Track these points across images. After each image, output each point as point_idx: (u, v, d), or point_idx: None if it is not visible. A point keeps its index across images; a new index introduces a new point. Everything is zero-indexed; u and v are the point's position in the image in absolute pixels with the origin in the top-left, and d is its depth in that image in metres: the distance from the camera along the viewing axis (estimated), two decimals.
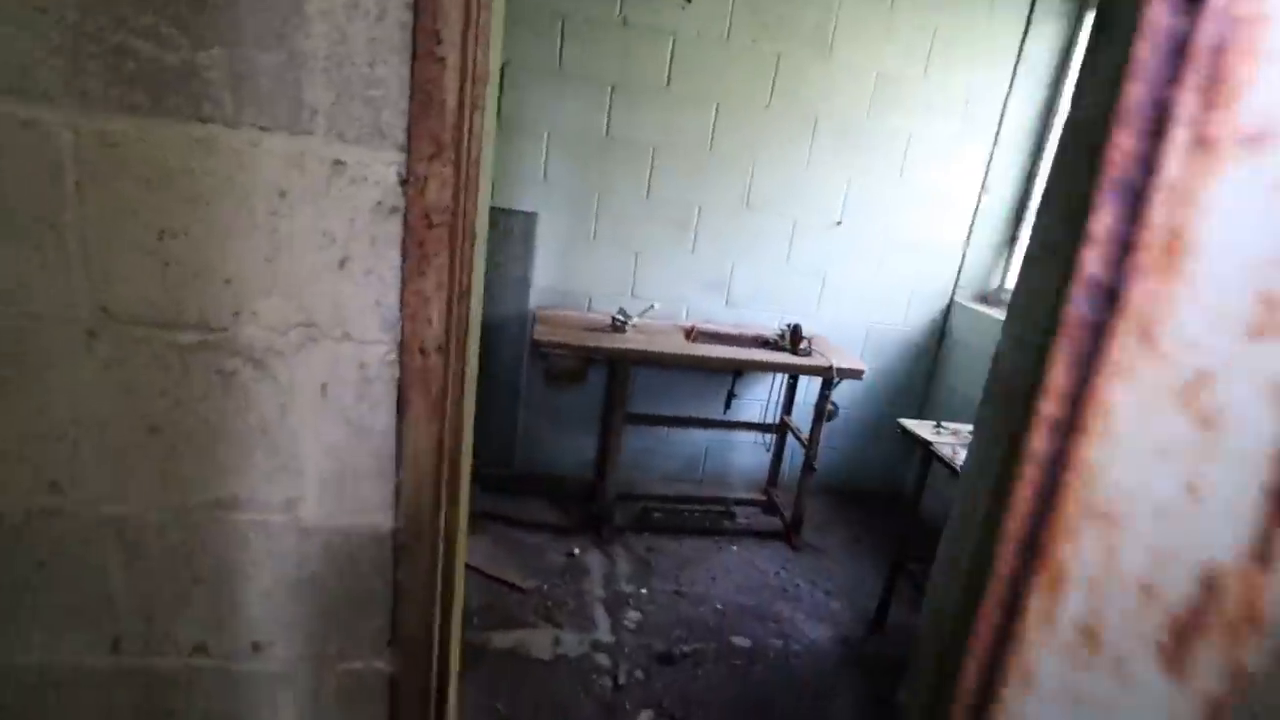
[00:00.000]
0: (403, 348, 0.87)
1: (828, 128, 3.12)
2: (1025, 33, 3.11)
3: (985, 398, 1.22)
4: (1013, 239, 3.38)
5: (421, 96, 0.78)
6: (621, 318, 2.86)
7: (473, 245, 0.87)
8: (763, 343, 3.11)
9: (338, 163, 0.82)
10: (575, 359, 2.67)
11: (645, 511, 3.17)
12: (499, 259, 3.11)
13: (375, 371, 0.89)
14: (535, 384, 3.26)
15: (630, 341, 2.78)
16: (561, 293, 3.21)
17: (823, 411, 2.89)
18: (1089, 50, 1.23)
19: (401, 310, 0.86)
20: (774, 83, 3.03)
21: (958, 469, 2.10)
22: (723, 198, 3.16)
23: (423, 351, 0.87)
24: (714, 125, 3.05)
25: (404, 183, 0.83)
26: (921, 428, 2.40)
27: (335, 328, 0.87)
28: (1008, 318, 1.54)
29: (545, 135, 2.98)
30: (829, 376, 2.82)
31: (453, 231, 0.84)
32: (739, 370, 3.18)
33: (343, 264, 0.85)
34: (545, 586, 2.65)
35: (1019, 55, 3.14)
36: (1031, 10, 3.09)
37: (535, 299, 3.19)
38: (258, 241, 0.84)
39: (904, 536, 2.59)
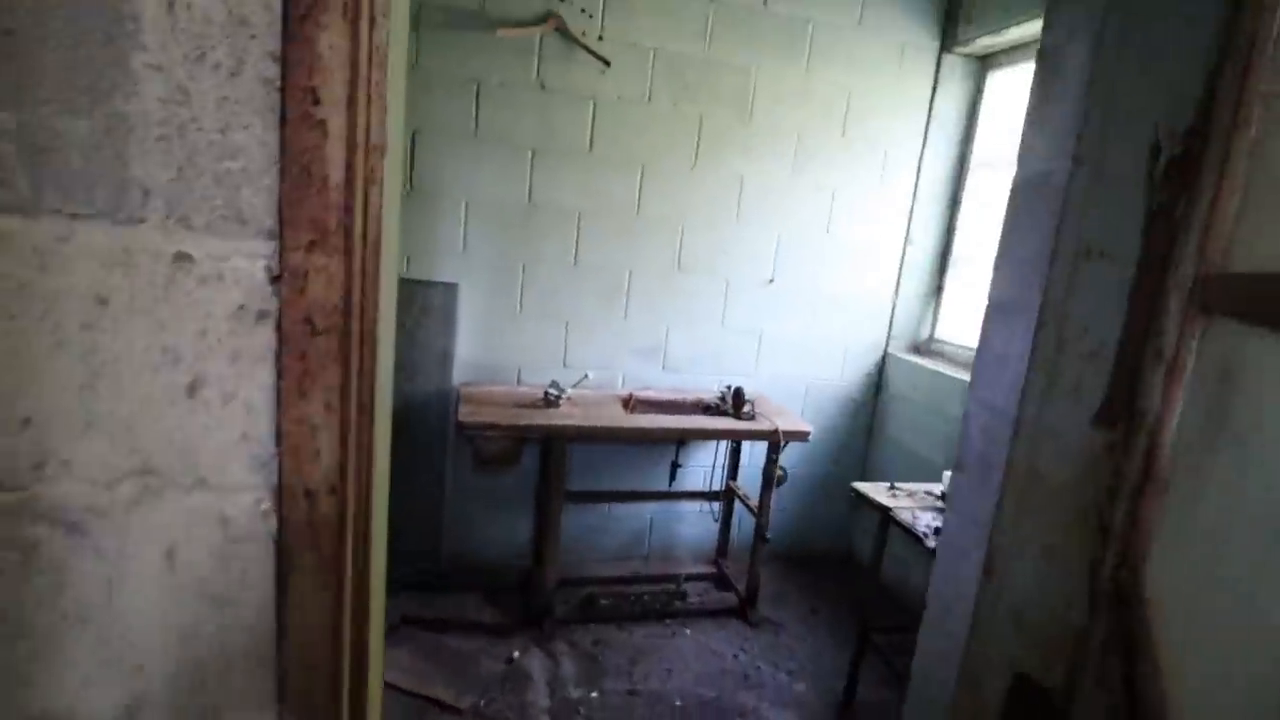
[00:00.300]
0: (282, 494, 0.66)
1: (754, 187, 3.09)
2: (934, 91, 3.22)
3: (980, 475, 1.07)
4: (939, 288, 3.41)
5: (296, 170, 0.60)
6: (554, 391, 2.66)
7: (374, 352, 0.68)
8: (704, 407, 2.97)
9: (181, 257, 0.62)
10: (506, 440, 2.44)
11: (590, 599, 2.91)
12: (417, 335, 2.87)
13: (243, 528, 0.66)
14: (461, 467, 2.99)
15: (566, 416, 2.58)
16: (487, 367, 2.99)
17: (772, 478, 2.75)
18: (1033, 108, 1.15)
19: (279, 445, 0.65)
20: (698, 144, 2.99)
21: (919, 535, 1.98)
22: (653, 261, 3.06)
23: (310, 496, 0.66)
24: (640, 188, 2.97)
25: (275, 279, 0.63)
26: (876, 491, 2.29)
27: (184, 474, 0.65)
28: (978, 382, 1.44)
29: (463, 203, 2.81)
30: (775, 441, 2.69)
31: (346, 337, 0.64)
32: (682, 439, 3.02)
33: (192, 389, 0.63)
34: (482, 702, 2.34)
35: (929, 113, 3.23)
36: (938, 70, 3.20)
37: (459, 375, 2.95)
38: (68, 366, 0.61)
39: (866, 606, 2.45)
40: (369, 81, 0.60)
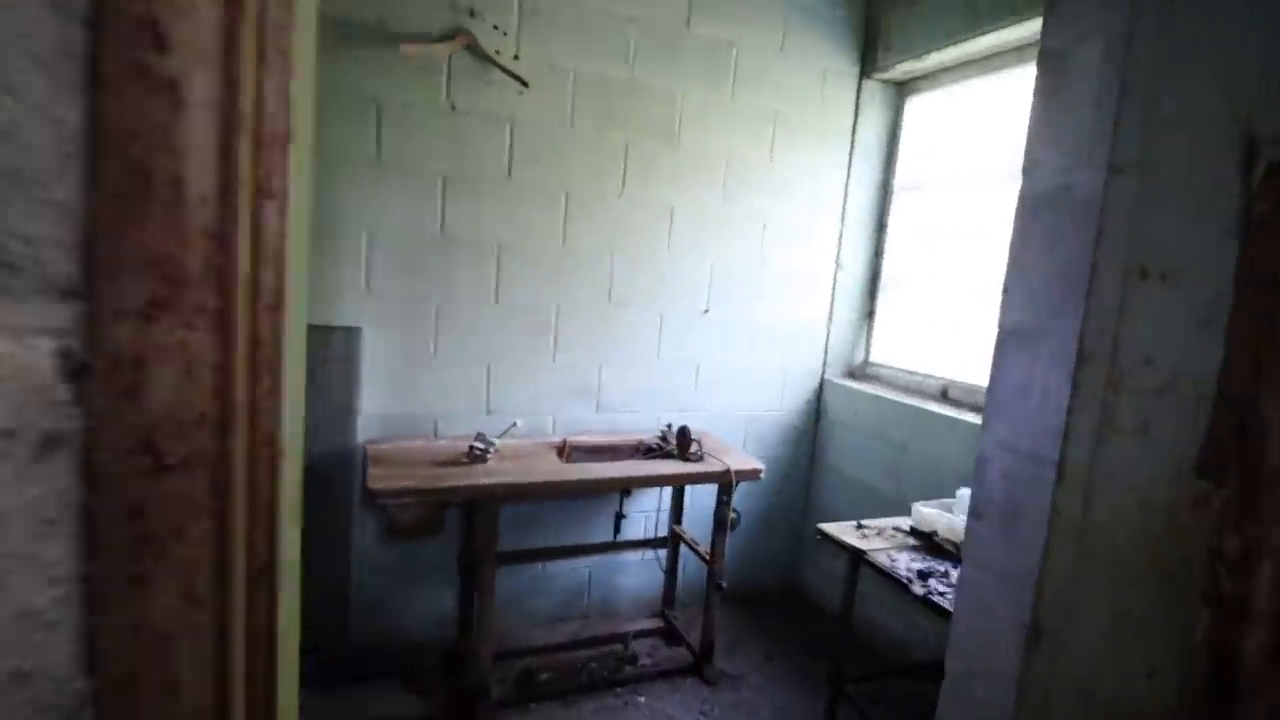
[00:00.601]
0: None
1: (685, 215, 2.94)
2: (856, 117, 3.20)
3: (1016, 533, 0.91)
4: (870, 313, 3.37)
5: (120, 169, 0.34)
6: (481, 445, 2.36)
7: (278, 492, 0.41)
8: (645, 449, 2.74)
9: None
10: (426, 506, 2.12)
11: (528, 674, 2.58)
12: (311, 386, 2.49)
13: None
14: (367, 536, 2.61)
15: (496, 473, 2.28)
16: (400, 420, 2.64)
17: (725, 521, 2.55)
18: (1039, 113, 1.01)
19: (92, 691, 0.37)
20: (625, 171, 2.80)
21: (902, 581, 1.83)
22: (583, 295, 2.83)
23: None
24: (565, 217, 2.74)
25: (78, 375, 0.35)
26: (844, 532, 2.13)
27: None
28: (994, 421, 1.29)
29: (363, 236, 2.48)
30: (728, 482, 2.50)
31: (222, 471, 0.38)
32: (627, 489, 2.77)
33: None
34: None
35: (853, 138, 3.21)
36: (859, 96, 3.19)
37: (366, 430, 2.59)
38: None
39: (836, 655, 2.27)
40: (261, 17, 0.34)
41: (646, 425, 3.01)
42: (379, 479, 2.16)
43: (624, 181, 2.80)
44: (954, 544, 2.00)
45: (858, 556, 1.99)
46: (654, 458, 2.65)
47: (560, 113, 2.66)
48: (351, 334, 2.53)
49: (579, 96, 2.67)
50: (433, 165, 2.52)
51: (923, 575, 1.83)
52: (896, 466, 2.86)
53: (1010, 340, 1.24)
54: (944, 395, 2.89)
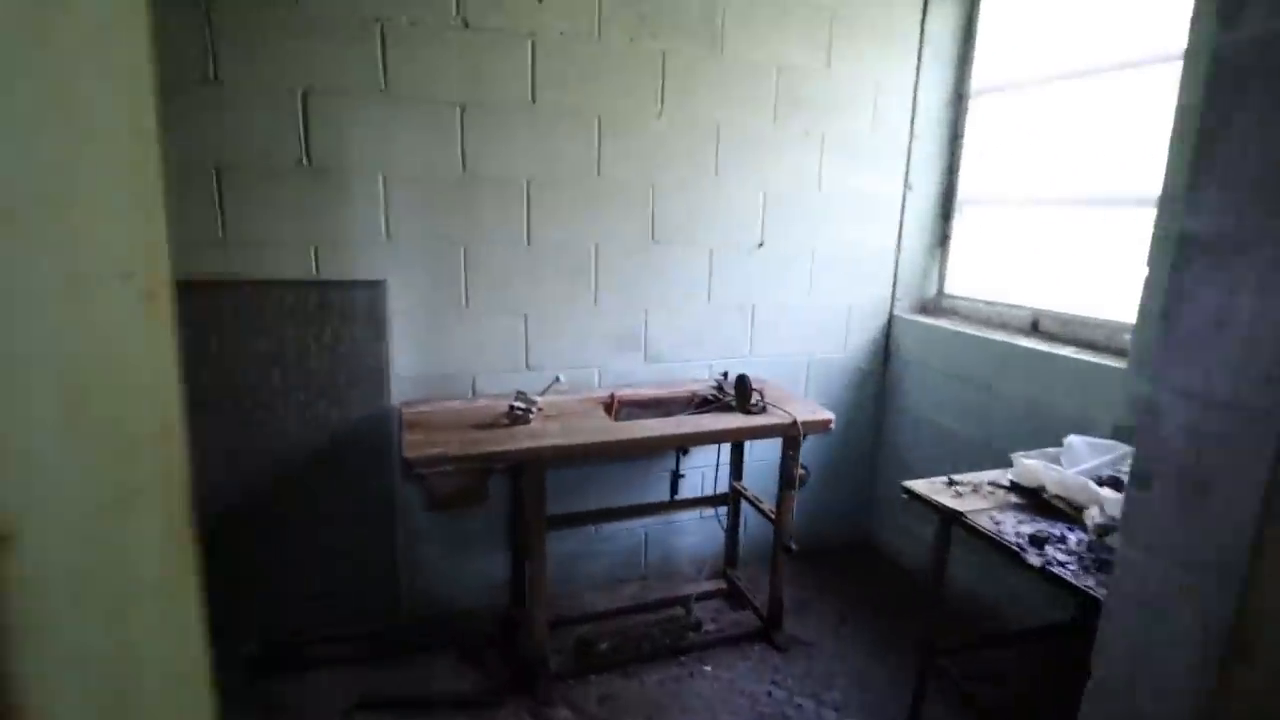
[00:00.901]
0: None
1: (732, 137, 2.60)
2: (924, 11, 2.77)
3: None
4: (944, 238, 3.01)
5: None
6: (522, 405, 2.14)
7: None
8: (700, 402, 2.50)
9: None
10: (467, 474, 1.92)
11: (585, 645, 2.43)
12: (339, 350, 2.30)
13: None
14: (414, 504, 2.45)
15: (541, 435, 2.07)
16: (435, 380, 2.45)
17: (792, 478, 2.31)
18: None
19: None
20: (663, 88, 2.47)
21: (1014, 549, 1.56)
22: (622, 233, 2.55)
23: None
24: (599, 146, 2.44)
25: None
26: (935, 491, 1.86)
27: None
28: (1173, 361, 0.98)
29: (380, 179, 2.24)
30: (795, 436, 2.25)
31: None
32: (684, 446, 2.54)
33: None
34: None
35: (921, 37, 2.79)
36: None
37: (400, 392, 2.40)
38: None
39: (928, 624, 2.03)
40: None
41: (699, 375, 2.75)
42: (415, 446, 1.97)
43: (662, 100, 2.48)
44: (1066, 501, 1.72)
45: (953, 518, 1.73)
46: (711, 410, 2.40)
47: (586, 21, 2.33)
48: (375, 288, 2.31)
49: (606, 1, 2.33)
50: (447, 92, 2.24)
51: (1036, 541, 1.56)
52: (983, 410, 2.55)
53: (1199, 255, 0.93)
54: (1034, 328, 2.55)
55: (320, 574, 2.43)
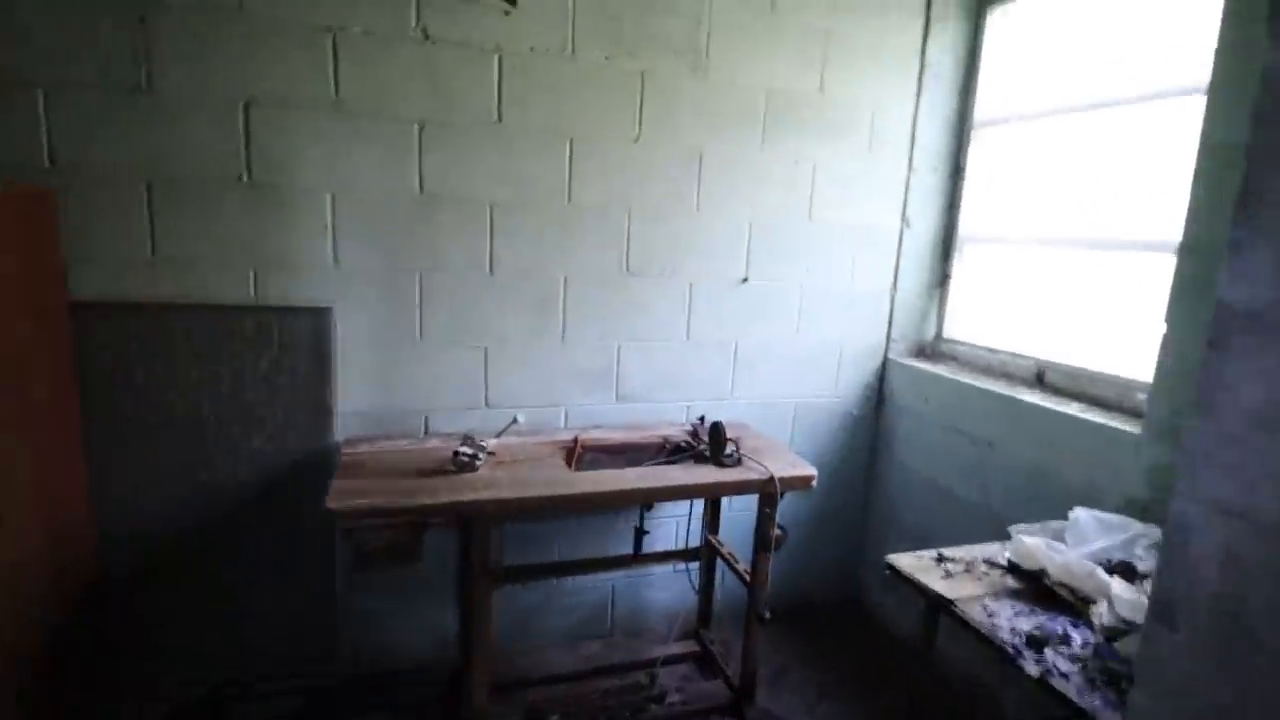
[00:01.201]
0: None
1: (716, 162, 2.42)
2: (925, 35, 2.60)
3: None
4: (944, 278, 2.81)
5: None
6: (468, 450, 1.94)
7: None
8: (672, 449, 2.29)
9: None
10: (397, 529, 1.72)
11: (533, 715, 2.20)
12: (277, 380, 2.11)
13: None
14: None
15: (485, 486, 1.86)
16: (385, 416, 2.25)
17: (768, 540, 2.09)
18: None
19: None
20: (641, 108, 2.30)
21: (1008, 652, 1.34)
22: (594, 263, 2.36)
23: None
24: (570, 169, 2.27)
25: None
26: (921, 569, 1.64)
27: None
28: (1203, 465, 0.77)
29: (328, 198, 2.06)
30: (771, 493, 2.03)
31: None
32: (649, 502, 2.33)
33: None
34: None
35: (922, 62, 2.62)
36: (929, 9, 2.58)
37: (346, 428, 2.21)
38: None
39: (913, 702, 1.80)
40: None
41: (675, 416, 2.55)
42: (342, 494, 1.76)
43: (640, 122, 2.30)
44: (1070, 590, 1.50)
45: (941, 606, 1.51)
46: (682, 459, 2.20)
47: (558, 37, 2.17)
48: (320, 315, 2.13)
49: (581, 14, 2.17)
50: (406, 109, 2.07)
51: (1034, 642, 1.34)
52: (982, 469, 2.33)
53: (1240, 332, 0.73)
54: (1039, 380, 2.33)
55: (249, 624, 2.21)
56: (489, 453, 2.03)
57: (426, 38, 2.04)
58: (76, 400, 1.94)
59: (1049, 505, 1.98)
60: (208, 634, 2.17)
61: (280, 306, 2.08)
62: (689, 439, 2.30)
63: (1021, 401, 2.19)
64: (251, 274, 2.04)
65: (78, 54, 1.79)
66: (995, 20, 2.62)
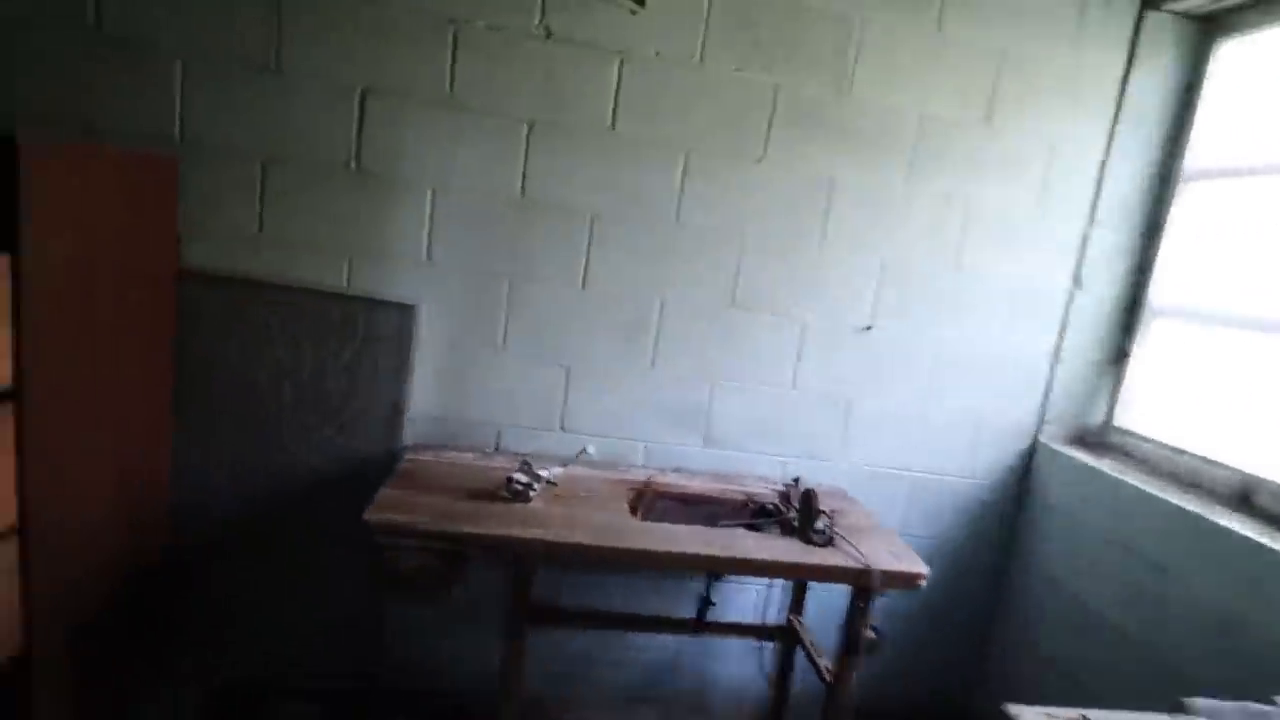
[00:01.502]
0: None
1: (849, 193, 2.13)
2: (1128, 69, 2.18)
3: None
4: (1122, 355, 2.32)
5: None
6: (524, 479, 1.76)
7: None
8: (756, 509, 1.99)
9: None
10: (433, 554, 1.56)
11: None
12: (359, 374, 2.06)
13: None
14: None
15: (534, 522, 1.66)
16: (456, 424, 2.14)
17: (858, 642, 1.73)
18: None
19: None
20: (769, 127, 2.07)
21: None
22: (696, 290, 2.14)
23: None
24: (681, 185, 2.07)
25: None
26: None
27: None
28: None
29: (429, 193, 2.00)
30: (866, 587, 1.68)
31: None
32: (715, 572, 2.03)
33: None
34: None
35: (1120, 99, 2.20)
36: (1136, 35, 2.16)
37: (414, 432, 2.11)
38: None
39: None
40: None
41: (768, 471, 2.25)
42: (384, 505, 1.64)
43: (767, 141, 2.07)
44: None
45: None
46: (765, 525, 1.89)
47: (687, 43, 1.99)
48: (405, 312, 2.06)
49: (714, 21, 1.99)
50: (517, 107, 1.97)
51: None
52: (1153, 601, 1.83)
53: None
54: (1245, 500, 1.81)
55: (298, 615, 2.15)
56: (549, 483, 1.84)
57: (548, 35, 1.94)
58: (172, 366, 1.97)
59: (1245, 667, 1.49)
60: (259, 619, 2.12)
61: (368, 298, 2.03)
62: (777, 502, 1.99)
63: (1217, 525, 1.69)
64: (346, 262, 2.01)
65: (218, 30, 1.84)
66: (1226, 54, 2.15)
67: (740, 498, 2.05)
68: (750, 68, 2.03)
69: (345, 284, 2.02)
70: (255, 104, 1.89)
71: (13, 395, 1.37)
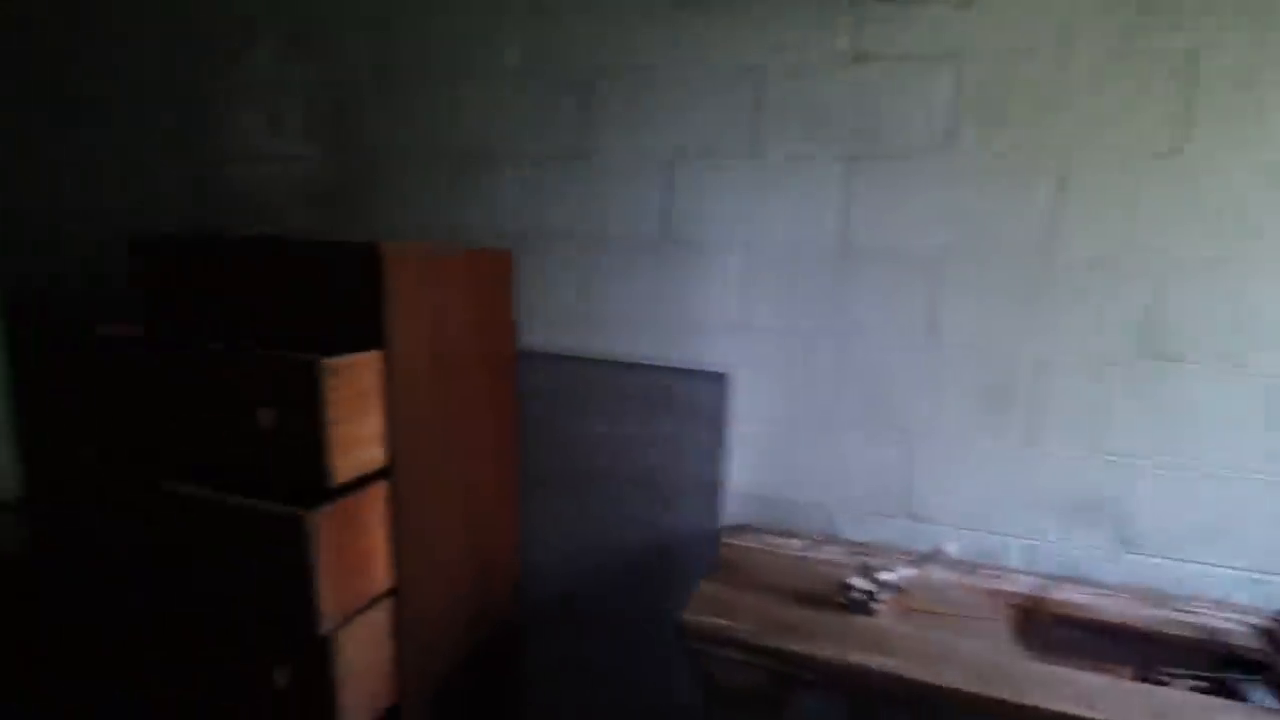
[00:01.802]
0: None
1: None
2: None
3: None
4: None
5: None
6: (863, 586, 1.42)
7: None
8: (1223, 655, 1.34)
9: None
10: (759, 671, 1.31)
11: None
12: (681, 446, 1.96)
13: None
14: None
15: (880, 643, 1.31)
16: (775, 503, 1.90)
17: None
18: None
19: None
20: (1188, 106, 1.49)
21: None
22: (1085, 339, 1.60)
23: None
24: (1054, 205, 1.59)
25: None
26: None
27: None
28: None
29: (735, 254, 1.85)
30: None
31: None
32: None
33: None
34: None
35: None
36: None
37: (730, 511, 1.93)
38: None
39: None
40: None
41: (1226, 591, 1.54)
42: (701, 605, 1.44)
43: (1185, 122, 1.49)
44: None
45: None
46: (1246, 686, 1.24)
47: (1043, 33, 1.55)
48: (717, 381, 1.92)
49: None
50: (827, 145, 1.73)
51: None
52: None
53: None
54: None
55: (599, 692, 2.08)
56: (895, 588, 1.46)
57: (858, 58, 1.68)
58: (517, 442, 2.09)
59: None
60: (564, 694, 2.11)
61: (680, 368, 1.93)
62: (1262, 645, 1.31)
63: None
64: (657, 333, 1.95)
65: (538, 129, 1.98)
66: None
67: (1187, 631, 1.41)
68: (1143, 33, 1.50)
69: (657, 355, 1.95)
70: (570, 191, 1.97)
71: (386, 474, 1.51)
